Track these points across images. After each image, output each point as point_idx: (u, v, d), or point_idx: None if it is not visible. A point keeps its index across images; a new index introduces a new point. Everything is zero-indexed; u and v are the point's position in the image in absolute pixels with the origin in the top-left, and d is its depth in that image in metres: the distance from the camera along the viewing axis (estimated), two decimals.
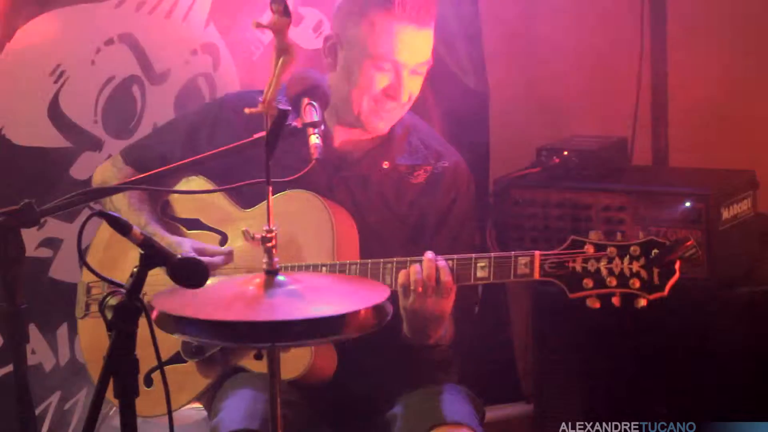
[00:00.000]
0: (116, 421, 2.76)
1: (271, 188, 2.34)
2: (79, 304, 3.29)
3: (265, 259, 2.33)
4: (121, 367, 2.18)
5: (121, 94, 3.62)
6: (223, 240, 3.14)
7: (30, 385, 2.32)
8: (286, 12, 2.33)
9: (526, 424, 3.98)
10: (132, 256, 3.01)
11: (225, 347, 3.00)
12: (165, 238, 3.06)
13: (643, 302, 2.66)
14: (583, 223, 3.48)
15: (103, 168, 3.32)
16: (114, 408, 3.51)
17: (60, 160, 3.53)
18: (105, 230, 3.23)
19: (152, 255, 2.23)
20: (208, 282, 2.24)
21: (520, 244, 3.54)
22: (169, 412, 2.34)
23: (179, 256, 2.24)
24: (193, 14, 3.72)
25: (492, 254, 2.81)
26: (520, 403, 4.20)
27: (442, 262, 2.82)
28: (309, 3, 3.89)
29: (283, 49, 2.36)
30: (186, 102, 3.71)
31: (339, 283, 2.53)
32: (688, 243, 2.62)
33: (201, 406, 3.23)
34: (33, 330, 3.50)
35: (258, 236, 2.34)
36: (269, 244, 2.32)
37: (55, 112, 3.51)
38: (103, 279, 2.33)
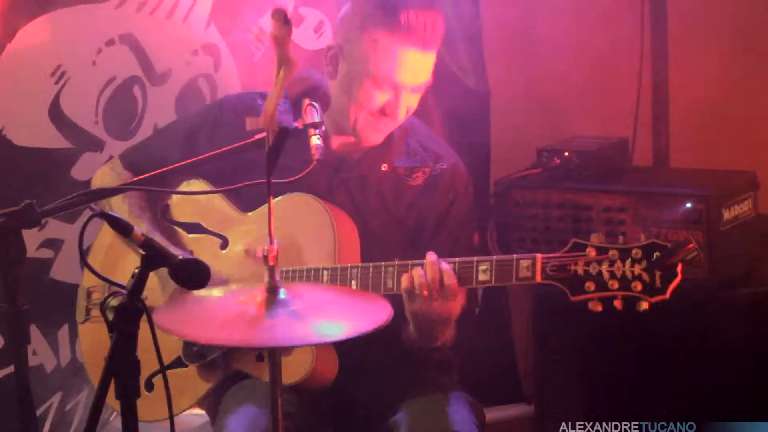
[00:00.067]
0: (118, 423, 2.76)
1: (271, 200, 2.33)
2: (79, 309, 3.28)
3: (266, 278, 2.33)
4: (122, 369, 2.18)
5: (122, 94, 3.63)
6: (224, 244, 3.14)
7: (31, 386, 2.33)
8: (286, 23, 2.33)
9: (527, 425, 3.97)
10: (132, 259, 3.03)
11: (226, 352, 3.01)
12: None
13: (645, 305, 2.66)
14: (584, 224, 3.47)
15: (102, 172, 3.31)
16: (115, 413, 3.52)
17: (61, 160, 3.53)
18: (106, 233, 3.24)
19: (153, 256, 2.23)
20: (211, 294, 2.25)
21: (521, 245, 3.54)
22: (171, 416, 2.34)
23: (180, 257, 2.24)
24: (193, 15, 3.72)
25: (494, 257, 2.81)
26: (521, 404, 4.20)
27: (445, 265, 2.80)
28: (310, 3, 3.89)
29: (284, 60, 2.36)
30: (187, 103, 3.71)
31: (340, 298, 2.51)
32: (690, 246, 2.62)
33: (202, 411, 3.23)
34: (34, 331, 3.51)
35: (260, 254, 2.34)
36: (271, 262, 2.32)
37: (56, 113, 3.51)
38: (104, 280, 2.33)
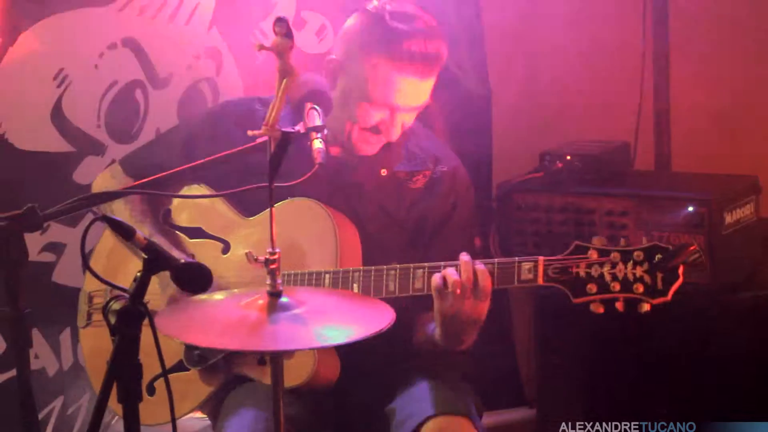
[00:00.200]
0: (120, 426, 2.76)
1: (273, 210, 2.33)
2: (80, 314, 3.28)
3: (268, 281, 2.33)
4: (124, 372, 2.18)
5: (124, 98, 3.63)
6: (226, 248, 3.13)
7: (33, 390, 2.32)
8: (288, 34, 2.33)
9: (529, 429, 3.98)
10: (134, 263, 3.03)
11: (228, 356, 3.01)
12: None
13: (646, 307, 2.66)
14: (586, 228, 3.48)
15: (103, 177, 3.30)
16: (117, 417, 3.51)
17: (63, 164, 3.53)
18: (108, 237, 3.24)
19: (155, 259, 2.23)
20: (213, 298, 2.25)
21: (523, 249, 3.55)
22: (173, 419, 2.34)
23: (182, 260, 2.24)
24: (196, 19, 3.72)
25: (495, 260, 2.80)
26: (523, 408, 4.20)
27: (480, 266, 2.79)
28: (312, 8, 3.89)
29: (286, 70, 2.37)
30: (189, 106, 3.71)
31: (343, 303, 2.51)
32: (692, 248, 2.62)
33: (204, 415, 3.23)
34: (36, 334, 3.50)
35: (261, 258, 2.34)
36: (272, 266, 2.33)
37: (57, 117, 3.51)
38: (107, 283, 2.33)
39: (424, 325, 2.99)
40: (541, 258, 2.75)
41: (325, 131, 2.63)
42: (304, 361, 2.87)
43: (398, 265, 2.89)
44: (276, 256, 2.32)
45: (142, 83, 3.65)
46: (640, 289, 2.65)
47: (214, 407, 3.08)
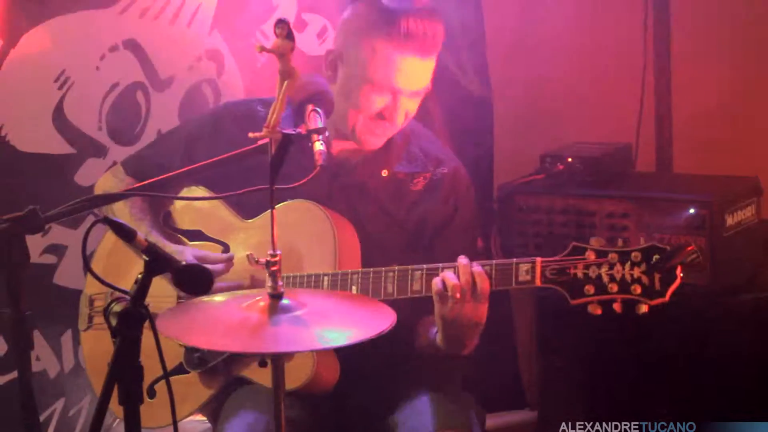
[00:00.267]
0: (120, 429, 2.77)
1: (274, 212, 2.34)
2: (81, 317, 3.28)
3: (269, 283, 2.33)
4: (125, 374, 2.19)
5: (126, 100, 3.63)
6: (225, 251, 3.13)
7: (34, 392, 2.32)
8: (289, 36, 2.33)
9: (530, 431, 3.98)
10: (136, 264, 3.02)
11: (228, 358, 3.01)
12: (167, 246, 3.06)
13: (644, 308, 2.65)
14: (587, 229, 3.48)
15: (105, 179, 3.32)
16: (118, 419, 3.51)
17: (64, 166, 3.53)
18: (109, 239, 3.24)
19: (156, 261, 2.23)
20: (214, 300, 2.25)
21: (524, 250, 3.55)
22: (174, 421, 2.34)
23: (183, 262, 2.25)
24: (197, 20, 3.72)
25: (493, 261, 2.80)
26: (524, 410, 4.20)
27: (478, 268, 2.79)
28: (313, 9, 3.89)
29: (287, 72, 2.37)
30: (190, 108, 3.71)
31: (344, 305, 2.52)
32: (689, 248, 2.61)
33: (204, 418, 3.23)
34: (37, 336, 3.50)
35: (262, 260, 2.34)
36: (273, 268, 2.33)
37: (59, 119, 3.51)
38: (108, 285, 2.33)
39: (425, 329, 2.99)
40: (538, 259, 2.74)
41: (327, 133, 2.63)
42: (303, 364, 2.88)
43: (397, 267, 2.89)
44: (277, 258, 2.32)
45: (143, 85, 3.65)
46: (638, 290, 2.64)
47: (214, 410, 3.09)
